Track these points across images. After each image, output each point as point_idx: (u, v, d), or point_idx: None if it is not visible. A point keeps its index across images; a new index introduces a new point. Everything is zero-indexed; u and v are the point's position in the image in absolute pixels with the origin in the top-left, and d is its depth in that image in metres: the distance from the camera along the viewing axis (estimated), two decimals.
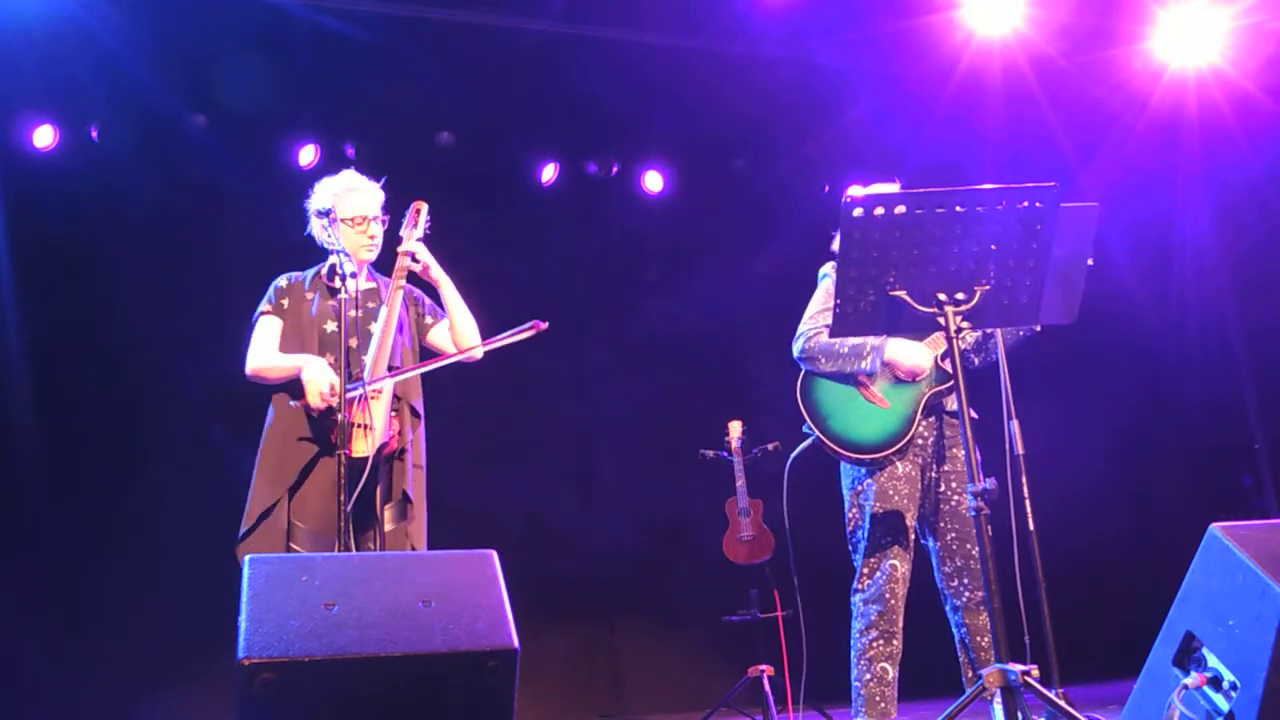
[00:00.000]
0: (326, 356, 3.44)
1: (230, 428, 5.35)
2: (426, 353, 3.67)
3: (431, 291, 3.68)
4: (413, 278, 3.58)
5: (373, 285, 3.61)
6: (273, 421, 3.45)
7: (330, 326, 3.47)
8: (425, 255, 3.56)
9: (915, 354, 3.63)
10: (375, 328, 3.48)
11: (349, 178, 3.64)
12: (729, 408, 5.66)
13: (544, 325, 3.38)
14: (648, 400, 6.67)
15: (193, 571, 5.14)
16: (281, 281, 3.61)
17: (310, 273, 3.64)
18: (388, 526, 3.36)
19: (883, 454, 3.63)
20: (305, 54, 5.66)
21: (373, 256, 3.61)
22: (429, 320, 3.68)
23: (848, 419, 3.67)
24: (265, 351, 3.49)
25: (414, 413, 3.51)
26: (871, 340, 3.65)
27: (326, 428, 3.33)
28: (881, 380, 3.70)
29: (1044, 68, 6.14)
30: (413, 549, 3.40)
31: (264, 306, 3.56)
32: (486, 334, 3.64)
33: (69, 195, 5.74)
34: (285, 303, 3.55)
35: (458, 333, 3.61)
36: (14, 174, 5.70)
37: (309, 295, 3.55)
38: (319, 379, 3.33)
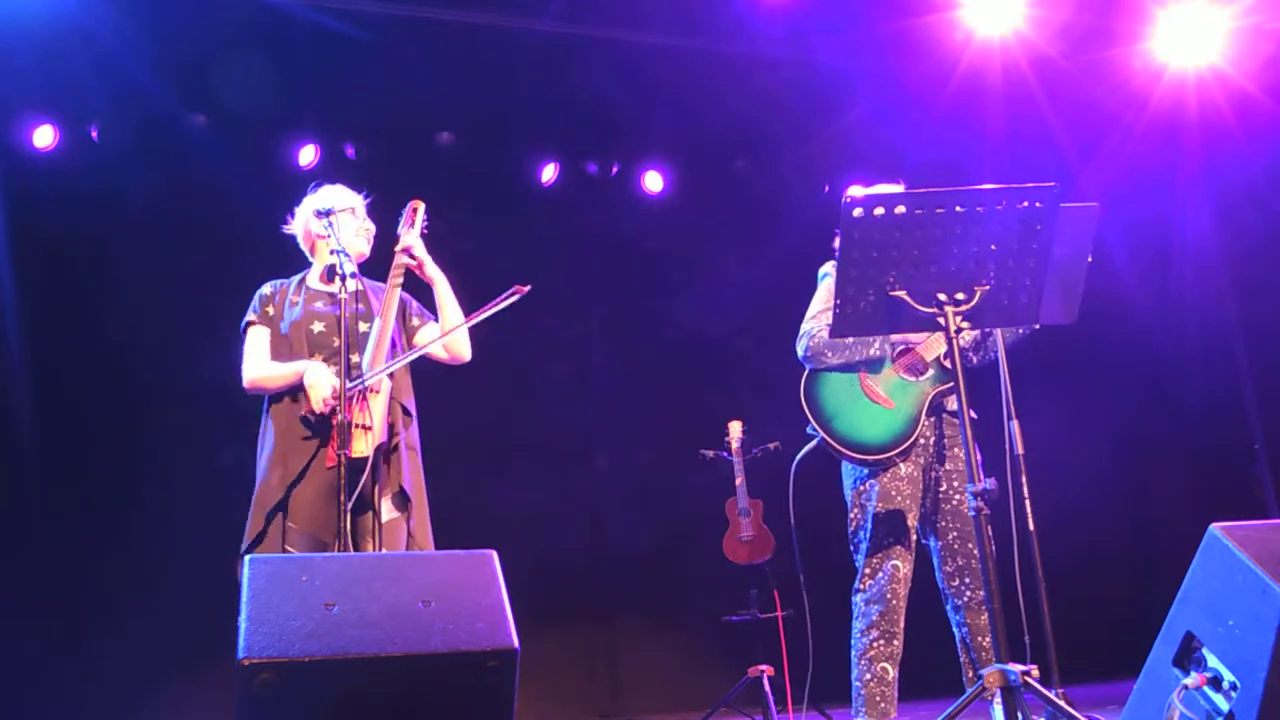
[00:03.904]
0: (316, 356, 3.45)
1: (230, 427, 5.35)
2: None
3: (424, 291, 3.68)
4: (407, 278, 3.59)
5: (361, 288, 3.61)
6: (270, 429, 3.44)
7: (318, 327, 3.48)
8: (421, 252, 3.56)
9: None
10: (367, 327, 3.48)
11: (333, 186, 3.68)
12: (729, 408, 5.66)
13: (526, 288, 3.31)
14: (648, 400, 6.67)
15: (193, 571, 5.14)
16: (265, 289, 3.63)
17: (295, 278, 3.66)
18: (385, 517, 3.35)
19: (888, 454, 3.63)
20: (305, 54, 5.66)
21: (367, 250, 3.63)
22: (416, 322, 3.68)
23: (853, 420, 3.67)
24: (260, 361, 3.49)
25: (405, 411, 3.51)
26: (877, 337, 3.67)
27: (322, 429, 3.33)
28: (886, 379, 3.70)
29: (1044, 68, 6.14)
30: (411, 538, 3.40)
31: (250, 316, 3.57)
32: (482, 343, 3.66)
33: (69, 195, 5.75)
34: (270, 310, 3.58)
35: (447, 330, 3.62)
36: (14, 174, 5.71)
37: (294, 299, 3.57)
38: (321, 383, 3.32)
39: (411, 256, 3.54)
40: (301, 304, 3.54)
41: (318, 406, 3.31)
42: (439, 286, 3.60)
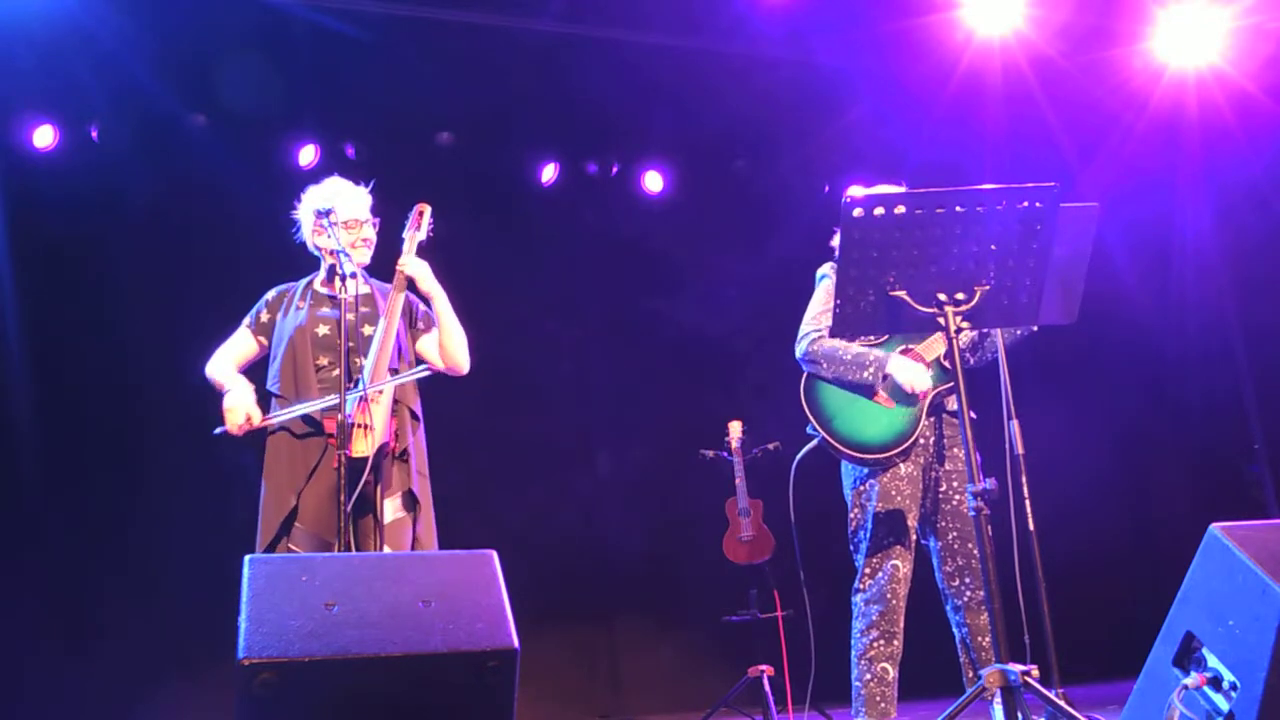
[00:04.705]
0: (320, 359, 3.45)
1: None
2: (418, 360, 3.68)
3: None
4: (412, 286, 3.59)
5: (368, 291, 3.61)
6: (273, 432, 3.45)
7: (322, 330, 3.49)
8: (416, 268, 3.55)
9: (914, 373, 3.61)
10: (371, 331, 3.48)
11: (338, 182, 3.66)
12: (729, 408, 5.66)
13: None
14: (648, 400, 6.67)
15: (193, 571, 5.15)
16: (270, 294, 3.65)
17: (302, 282, 3.66)
18: (388, 519, 3.36)
19: (889, 454, 3.62)
20: (305, 54, 5.66)
21: (366, 258, 3.61)
22: (421, 326, 3.68)
23: (853, 419, 3.67)
24: (220, 359, 3.61)
25: (413, 415, 3.52)
26: (875, 352, 3.64)
27: (323, 431, 3.35)
28: (884, 386, 3.69)
29: (1044, 68, 6.14)
30: (417, 541, 3.41)
31: (246, 319, 3.63)
32: (483, 343, 3.65)
33: (69, 195, 5.74)
34: (266, 318, 3.60)
35: (445, 346, 3.62)
36: (14, 174, 5.70)
37: (300, 304, 3.57)
38: (235, 407, 3.43)
39: (409, 275, 3.54)
40: (307, 308, 3.54)
41: (230, 428, 3.42)
42: (437, 303, 3.59)
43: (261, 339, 3.60)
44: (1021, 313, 3.06)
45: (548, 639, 5.99)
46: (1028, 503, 3.28)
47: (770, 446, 5.24)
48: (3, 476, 5.53)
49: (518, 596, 2.55)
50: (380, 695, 2.37)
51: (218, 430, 3.44)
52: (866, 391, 3.65)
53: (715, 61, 6.08)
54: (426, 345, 3.66)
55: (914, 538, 3.67)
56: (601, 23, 5.84)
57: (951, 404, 3.71)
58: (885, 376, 3.62)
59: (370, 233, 3.61)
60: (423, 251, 3.60)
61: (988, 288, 2.97)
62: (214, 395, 3.60)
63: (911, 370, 3.61)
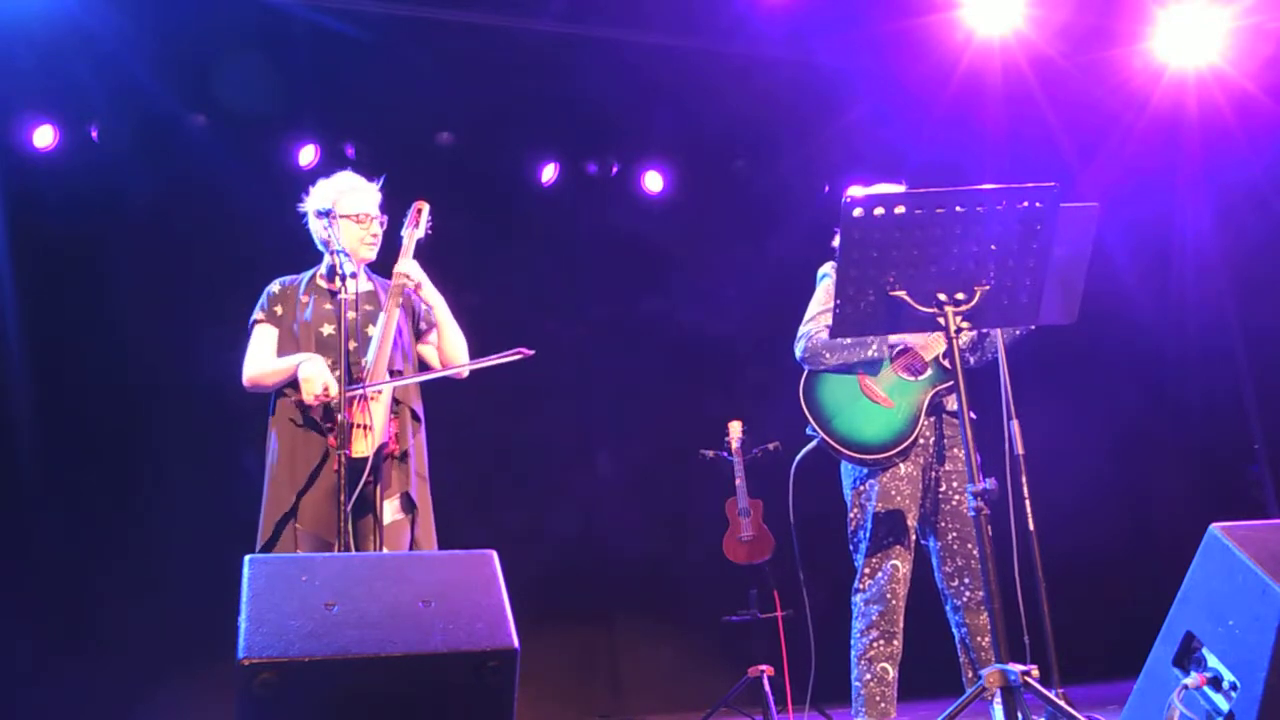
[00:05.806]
0: (324, 358, 3.45)
1: (230, 427, 5.36)
2: (418, 361, 3.67)
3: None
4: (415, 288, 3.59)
5: (370, 288, 3.61)
6: (276, 431, 3.45)
7: (327, 329, 3.47)
8: (419, 275, 3.55)
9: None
10: (374, 330, 3.47)
11: (347, 177, 3.64)
12: (729, 408, 5.66)
13: (530, 352, 3.32)
14: (648, 400, 6.67)
15: (193, 571, 5.14)
16: (274, 287, 3.61)
17: (306, 276, 3.64)
18: (387, 520, 3.35)
19: (888, 454, 3.63)
20: (305, 54, 5.66)
21: (373, 255, 3.61)
22: (423, 325, 3.68)
23: (852, 420, 3.67)
24: (260, 359, 3.50)
25: (414, 416, 3.51)
26: (875, 339, 3.67)
27: (328, 429, 3.34)
28: (885, 379, 3.70)
29: (1044, 68, 6.14)
30: (416, 543, 3.40)
31: (257, 314, 3.56)
32: (476, 348, 3.65)
33: (69, 195, 5.75)
34: (278, 309, 3.57)
35: (445, 351, 3.62)
36: (14, 174, 5.71)
37: (304, 299, 3.55)
38: (314, 376, 3.33)
39: (408, 278, 3.53)
40: (311, 305, 3.53)
41: (307, 399, 3.31)
42: (438, 311, 3.60)
43: (281, 329, 3.55)
44: (1021, 313, 3.06)
45: (548, 639, 5.98)
46: (1028, 503, 3.28)
47: (770, 446, 5.24)
48: (2, 476, 5.53)
49: (518, 596, 2.55)
50: (380, 695, 2.36)
51: (291, 398, 3.37)
52: (875, 368, 3.66)
53: (715, 61, 6.08)
54: (426, 349, 3.67)
55: (914, 538, 3.68)
56: (601, 23, 5.84)
57: (951, 404, 3.72)
58: (894, 346, 3.65)
59: (377, 229, 3.59)
60: (421, 250, 3.60)
61: (988, 288, 2.97)
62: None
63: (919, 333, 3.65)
